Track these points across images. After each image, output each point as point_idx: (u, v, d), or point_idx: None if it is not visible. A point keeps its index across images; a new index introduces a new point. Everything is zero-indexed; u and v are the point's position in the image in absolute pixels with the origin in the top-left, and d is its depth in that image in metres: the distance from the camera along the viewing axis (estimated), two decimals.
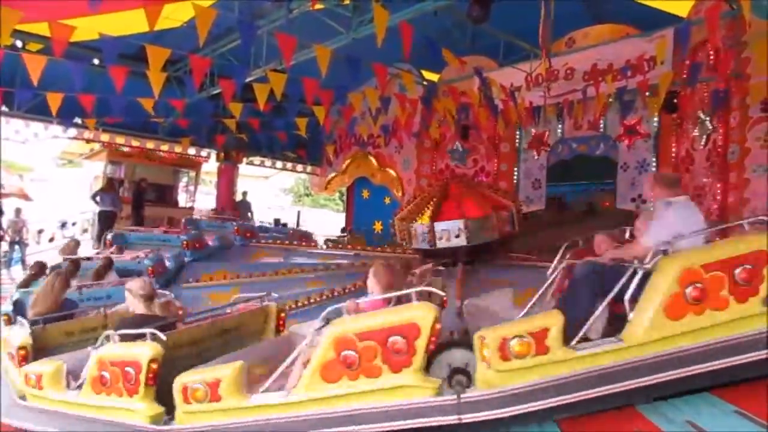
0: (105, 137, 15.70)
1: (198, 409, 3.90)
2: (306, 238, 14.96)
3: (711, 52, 9.83)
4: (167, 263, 10.58)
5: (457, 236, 9.68)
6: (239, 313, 5.37)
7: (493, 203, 10.34)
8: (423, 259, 10.80)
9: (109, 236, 12.43)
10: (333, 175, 18.34)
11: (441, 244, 9.88)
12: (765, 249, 3.33)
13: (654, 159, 11.51)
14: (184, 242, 11.69)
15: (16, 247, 13.92)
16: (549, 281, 4.49)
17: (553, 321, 3.44)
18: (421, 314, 3.45)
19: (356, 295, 5.62)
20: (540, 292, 4.41)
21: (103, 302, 6.74)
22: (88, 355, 4.59)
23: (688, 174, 10.75)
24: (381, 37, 7.38)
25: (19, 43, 10.93)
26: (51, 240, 18.19)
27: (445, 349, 3.75)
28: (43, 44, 10.58)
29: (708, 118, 10.03)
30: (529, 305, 4.22)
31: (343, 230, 18.18)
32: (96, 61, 11.61)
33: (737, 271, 3.32)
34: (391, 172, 16.23)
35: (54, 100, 8.83)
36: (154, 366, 4.01)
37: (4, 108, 13.31)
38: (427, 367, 3.58)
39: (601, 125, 12.18)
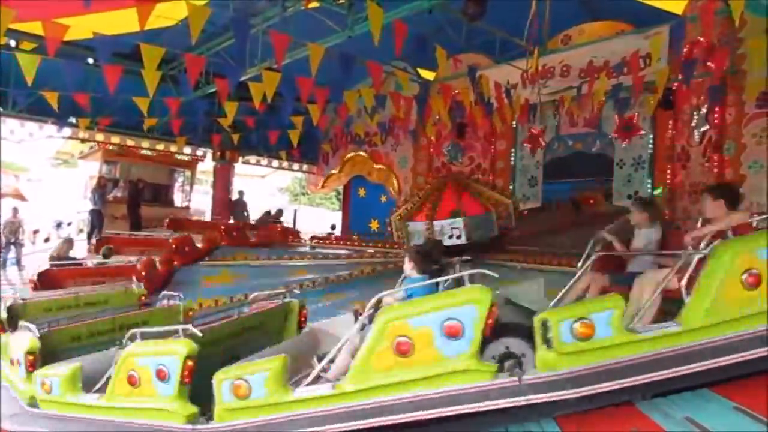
0: (100, 137, 15.62)
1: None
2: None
3: (706, 49, 9.85)
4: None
5: (458, 235, 9.71)
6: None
7: (491, 201, 10.39)
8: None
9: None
10: (329, 173, 18.33)
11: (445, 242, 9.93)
12: None
13: (650, 156, 11.53)
14: None
15: (12, 247, 13.85)
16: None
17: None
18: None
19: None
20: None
21: None
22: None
23: (684, 170, 10.77)
24: (377, 35, 7.36)
25: (12, 43, 10.85)
26: (46, 240, 18.15)
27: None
28: (36, 43, 10.52)
29: (704, 115, 10.05)
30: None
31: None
32: (90, 61, 11.55)
33: None
34: (387, 170, 16.24)
35: (51, 99, 8.85)
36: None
37: None
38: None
39: (597, 122, 12.19)
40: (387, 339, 3.46)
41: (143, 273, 9.97)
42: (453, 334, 3.36)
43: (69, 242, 11.85)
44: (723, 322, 3.31)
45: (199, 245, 12.19)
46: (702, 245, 3.60)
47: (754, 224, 3.80)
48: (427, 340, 3.41)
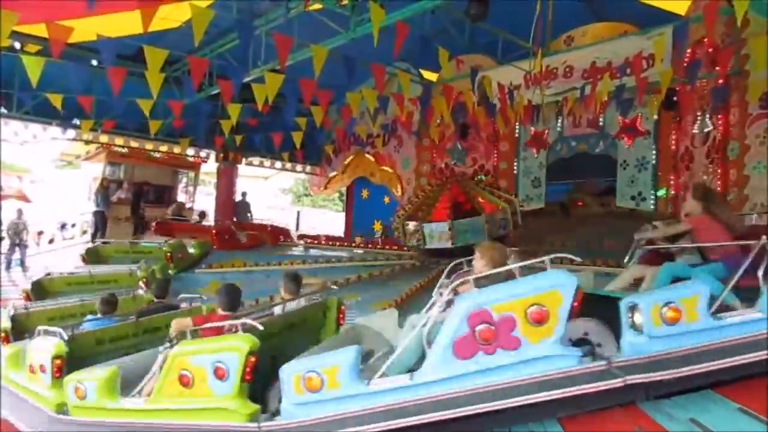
0: (104, 138, 15.67)
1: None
2: None
3: (710, 49, 9.83)
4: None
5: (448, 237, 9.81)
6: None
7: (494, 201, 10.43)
8: (428, 258, 10.77)
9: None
10: (332, 175, 18.35)
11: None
12: None
13: (654, 156, 11.51)
14: None
15: (16, 248, 13.88)
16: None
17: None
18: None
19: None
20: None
21: None
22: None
23: (688, 171, 10.75)
24: (377, 35, 7.40)
25: (17, 45, 10.90)
26: (51, 242, 18.13)
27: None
28: (41, 45, 10.56)
29: (707, 115, 10.03)
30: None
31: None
32: (94, 62, 11.59)
33: None
34: (391, 171, 16.26)
35: (55, 101, 8.91)
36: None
37: (3, 110, 13.29)
38: None
39: (601, 123, 12.18)
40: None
41: (215, 233, 13.43)
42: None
43: (180, 205, 16.84)
44: (171, 410, 3.94)
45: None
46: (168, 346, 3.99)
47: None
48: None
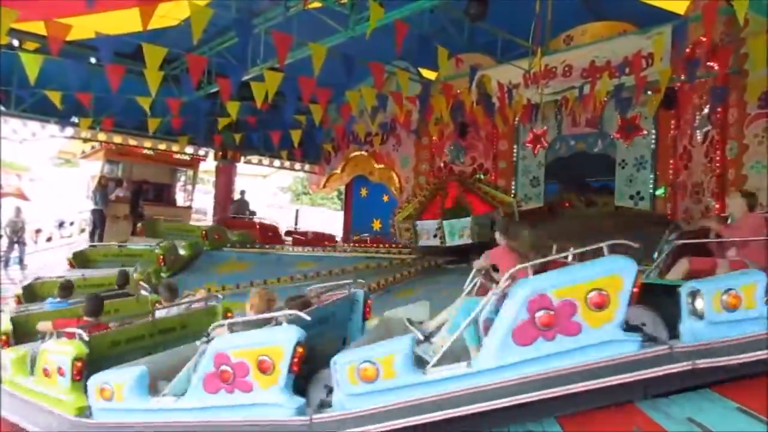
0: (102, 136, 15.64)
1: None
2: None
3: (709, 49, 9.83)
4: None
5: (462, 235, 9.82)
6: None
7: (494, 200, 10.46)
8: (444, 257, 10.74)
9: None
10: (331, 173, 18.34)
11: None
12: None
13: (652, 155, 11.51)
14: None
15: (15, 246, 13.88)
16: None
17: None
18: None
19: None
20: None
21: None
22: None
23: (686, 170, 10.76)
24: (368, 33, 7.43)
25: (15, 42, 10.87)
26: (49, 240, 18.11)
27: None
28: (39, 43, 10.54)
29: (706, 115, 10.03)
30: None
31: None
32: (93, 60, 11.57)
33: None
34: (389, 169, 16.25)
35: (54, 98, 8.92)
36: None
37: (1, 107, 13.26)
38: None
39: (599, 122, 12.17)
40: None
41: (260, 229, 15.99)
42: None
43: (241, 201, 18.55)
44: (40, 393, 4.77)
45: None
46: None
47: None
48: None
